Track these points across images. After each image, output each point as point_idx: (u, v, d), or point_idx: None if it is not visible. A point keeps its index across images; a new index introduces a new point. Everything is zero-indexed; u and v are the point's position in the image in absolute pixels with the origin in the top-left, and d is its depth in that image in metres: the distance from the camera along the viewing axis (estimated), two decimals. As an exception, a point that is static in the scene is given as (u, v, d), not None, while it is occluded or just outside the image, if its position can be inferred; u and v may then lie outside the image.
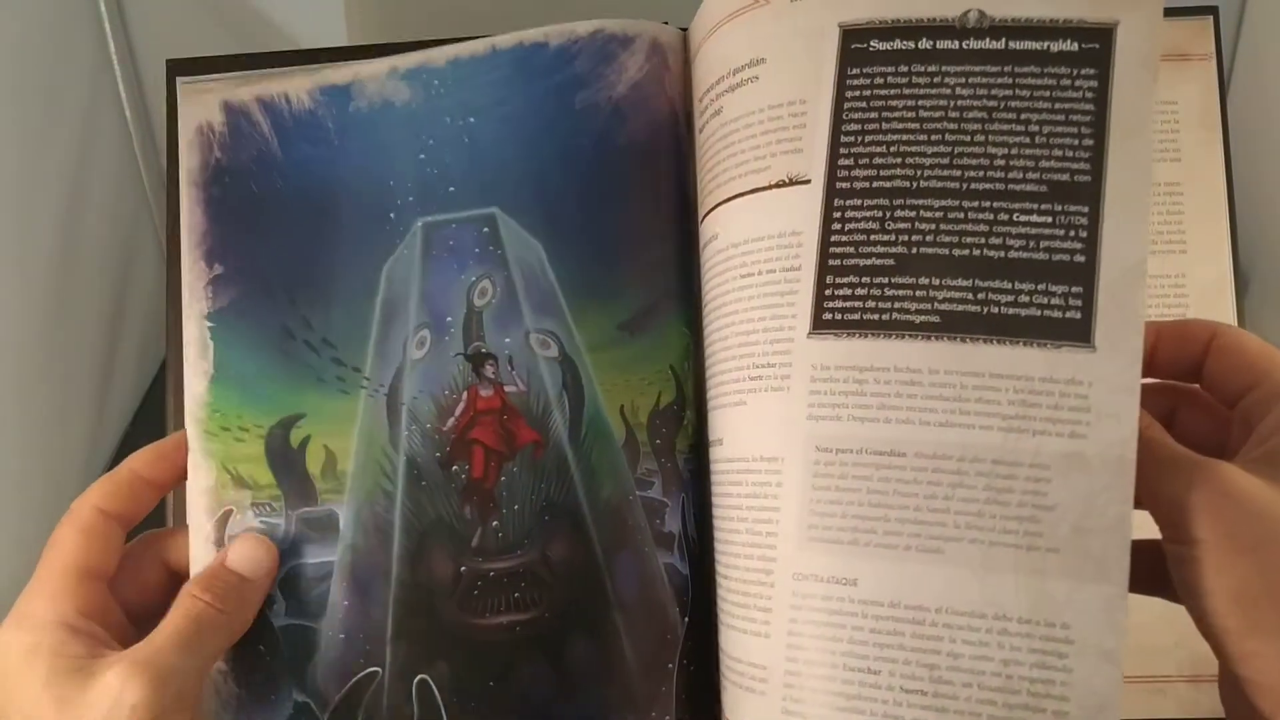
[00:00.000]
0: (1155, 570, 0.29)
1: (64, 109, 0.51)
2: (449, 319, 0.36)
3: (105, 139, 0.55)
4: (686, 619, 0.35)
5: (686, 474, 0.36)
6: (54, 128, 0.51)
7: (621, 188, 0.36)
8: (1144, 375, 0.30)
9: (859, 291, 0.30)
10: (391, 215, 0.36)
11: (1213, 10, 0.49)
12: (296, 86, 0.37)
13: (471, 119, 0.36)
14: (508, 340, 0.36)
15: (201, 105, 0.38)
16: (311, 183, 0.37)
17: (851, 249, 0.30)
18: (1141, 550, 0.28)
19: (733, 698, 0.33)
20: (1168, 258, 0.47)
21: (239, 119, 0.37)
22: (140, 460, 0.35)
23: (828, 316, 0.30)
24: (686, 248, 0.37)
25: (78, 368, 0.53)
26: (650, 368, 0.36)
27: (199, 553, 0.35)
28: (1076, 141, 0.29)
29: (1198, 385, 0.31)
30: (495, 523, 0.35)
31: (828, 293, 0.31)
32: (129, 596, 0.34)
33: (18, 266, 0.48)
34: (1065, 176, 0.29)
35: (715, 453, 0.34)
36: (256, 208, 0.37)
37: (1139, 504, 0.28)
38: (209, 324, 0.36)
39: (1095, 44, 0.30)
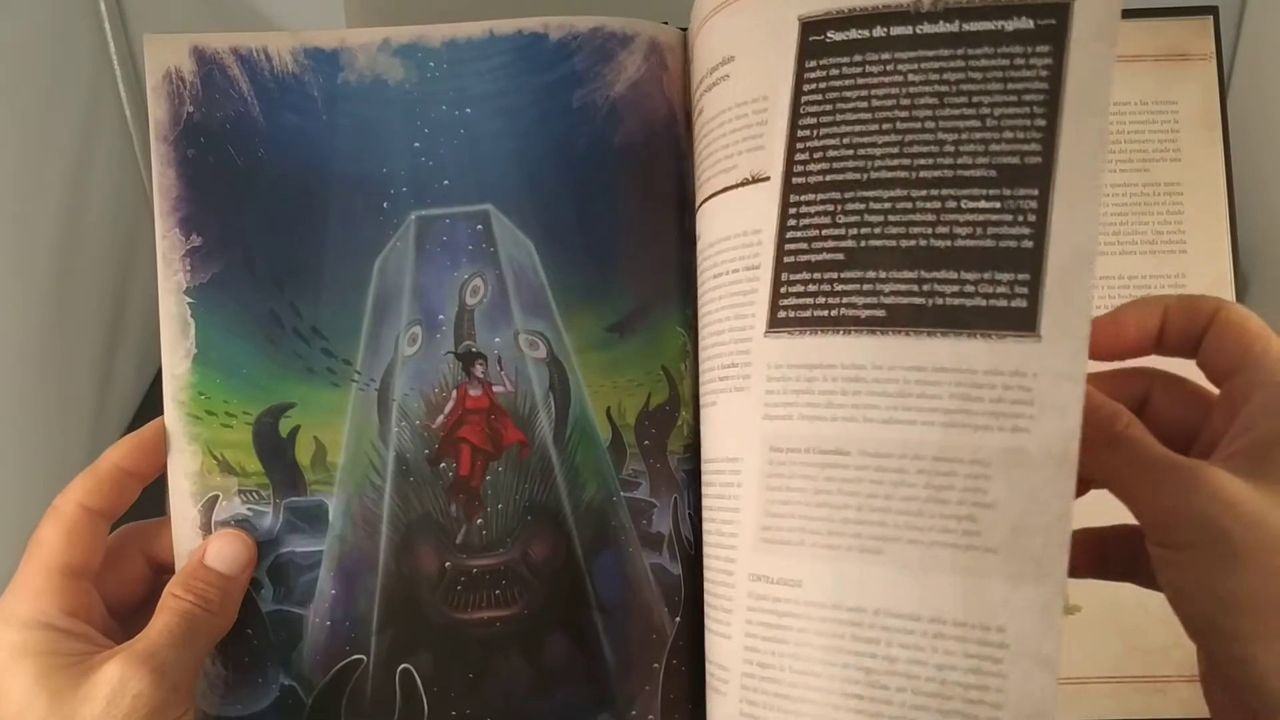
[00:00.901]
0: (1130, 557, 0.28)
1: (64, 109, 0.52)
2: (441, 316, 0.36)
3: (105, 139, 0.55)
4: (678, 619, 0.35)
5: (681, 474, 0.36)
6: (54, 128, 0.51)
7: (616, 189, 0.36)
8: (1152, 352, 0.29)
9: (810, 288, 0.29)
10: (385, 205, 0.36)
11: (1213, 10, 0.49)
12: (278, 45, 0.36)
13: (468, 109, 0.36)
14: (497, 340, 0.36)
15: (168, 49, 0.36)
16: (298, 157, 0.36)
17: (804, 245, 0.30)
18: (1114, 537, 0.27)
19: (708, 699, 0.32)
20: (1168, 258, 0.47)
21: (212, 70, 0.36)
22: (120, 452, 0.34)
23: (782, 315, 0.30)
24: (685, 248, 0.37)
25: (78, 368, 0.53)
26: (640, 369, 0.36)
27: (184, 538, 0.35)
28: (1029, 122, 0.28)
29: (1193, 362, 0.30)
30: (479, 521, 0.35)
31: (782, 290, 0.30)
32: (111, 590, 0.34)
33: (18, 267, 0.48)
34: (1015, 159, 0.28)
35: (702, 454, 0.34)
36: (237, 177, 0.35)
37: (1099, 488, 0.27)
38: (188, 300, 0.35)
39: (1051, 19, 0.28)
